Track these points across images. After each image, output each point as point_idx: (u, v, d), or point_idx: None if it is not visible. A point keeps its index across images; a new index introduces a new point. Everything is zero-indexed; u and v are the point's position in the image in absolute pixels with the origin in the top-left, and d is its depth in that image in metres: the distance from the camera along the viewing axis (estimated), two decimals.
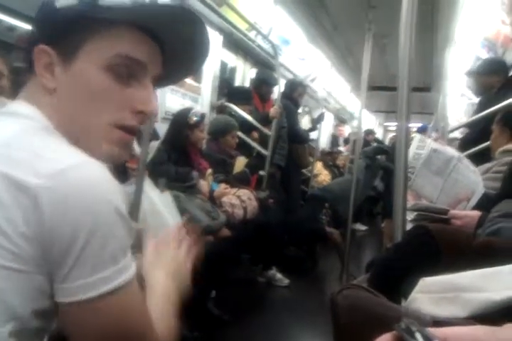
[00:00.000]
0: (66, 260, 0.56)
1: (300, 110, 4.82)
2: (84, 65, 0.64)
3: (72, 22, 0.63)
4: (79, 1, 0.62)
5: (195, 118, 2.63)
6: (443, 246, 0.77)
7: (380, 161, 5.58)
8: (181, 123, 2.66)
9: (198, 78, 3.69)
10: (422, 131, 6.55)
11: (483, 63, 3.19)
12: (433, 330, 0.39)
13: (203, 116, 2.71)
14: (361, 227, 6.47)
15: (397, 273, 0.78)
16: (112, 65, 0.64)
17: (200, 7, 3.32)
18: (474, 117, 3.56)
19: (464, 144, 3.04)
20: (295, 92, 4.37)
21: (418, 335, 0.34)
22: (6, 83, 1.84)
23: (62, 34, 0.64)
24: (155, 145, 2.35)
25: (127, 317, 0.60)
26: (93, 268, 0.56)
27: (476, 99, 5.22)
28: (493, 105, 2.65)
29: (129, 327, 0.61)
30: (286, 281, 3.40)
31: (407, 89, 1.31)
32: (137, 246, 0.81)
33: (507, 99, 2.55)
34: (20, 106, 0.65)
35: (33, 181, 0.54)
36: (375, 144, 7.81)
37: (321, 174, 5.50)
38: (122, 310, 0.59)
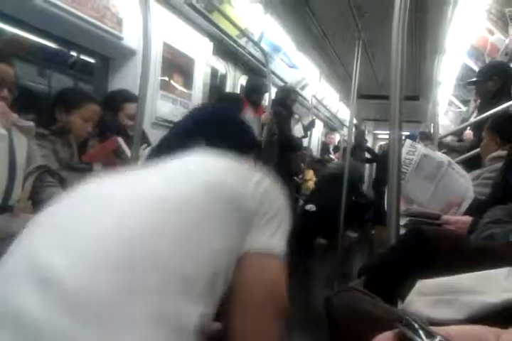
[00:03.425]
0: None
1: None
2: None
3: None
4: None
5: None
6: (438, 249, 0.77)
7: None
8: None
9: (188, 84, 3.69)
10: (410, 139, 6.57)
11: (480, 70, 3.12)
12: (435, 329, 0.39)
13: None
14: (352, 234, 6.46)
15: (392, 275, 0.77)
16: None
17: (190, 13, 3.33)
18: (463, 125, 3.59)
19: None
20: (288, 99, 4.37)
21: (421, 332, 0.34)
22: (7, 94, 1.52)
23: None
24: (145, 152, 2.33)
25: (282, 278, 0.72)
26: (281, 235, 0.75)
27: (464, 108, 5.27)
28: (488, 111, 2.63)
29: (281, 287, 0.71)
30: None
31: (400, 97, 1.32)
32: None
33: (501, 105, 2.53)
34: None
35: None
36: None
37: (311, 180, 5.50)
38: (281, 270, 0.72)
